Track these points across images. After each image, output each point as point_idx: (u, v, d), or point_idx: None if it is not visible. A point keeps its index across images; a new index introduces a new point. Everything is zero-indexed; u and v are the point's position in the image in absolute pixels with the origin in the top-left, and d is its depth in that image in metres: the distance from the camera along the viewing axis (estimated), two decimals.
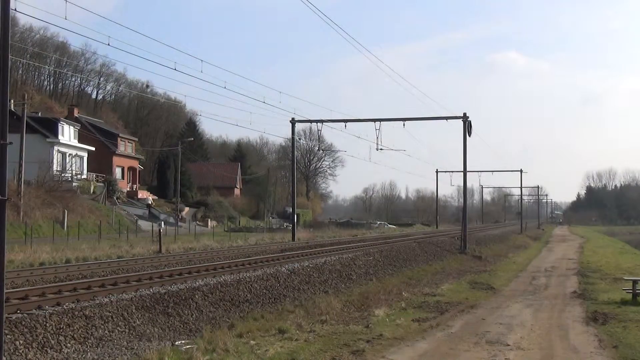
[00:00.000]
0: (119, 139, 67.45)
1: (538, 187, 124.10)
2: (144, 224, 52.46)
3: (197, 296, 14.86)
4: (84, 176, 59.10)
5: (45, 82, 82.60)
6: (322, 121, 42.78)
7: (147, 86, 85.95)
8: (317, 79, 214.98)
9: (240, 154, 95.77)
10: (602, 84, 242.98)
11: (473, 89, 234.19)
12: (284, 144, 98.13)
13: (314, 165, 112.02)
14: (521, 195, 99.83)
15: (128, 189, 66.82)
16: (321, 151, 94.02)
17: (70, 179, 54.48)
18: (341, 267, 23.30)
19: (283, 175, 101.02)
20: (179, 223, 58.26)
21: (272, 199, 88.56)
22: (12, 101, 48.34)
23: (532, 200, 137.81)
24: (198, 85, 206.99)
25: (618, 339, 12.10)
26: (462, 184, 44.41)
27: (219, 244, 37.78)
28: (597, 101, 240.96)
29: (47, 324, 10.80)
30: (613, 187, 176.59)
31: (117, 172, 66.68)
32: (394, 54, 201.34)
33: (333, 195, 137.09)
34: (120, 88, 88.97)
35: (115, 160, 66.36)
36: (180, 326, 13.26)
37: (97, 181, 59.77)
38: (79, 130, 60.69)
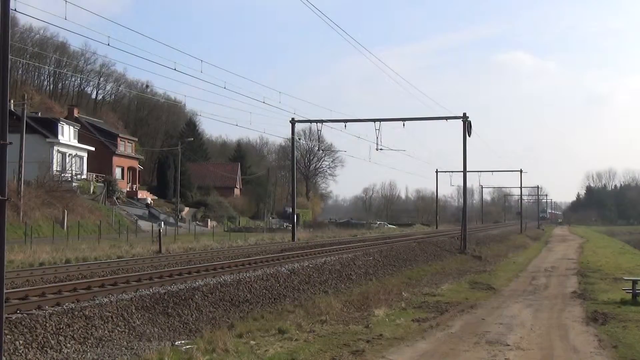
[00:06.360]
0: (118, 139, 67.46)
1: (538, 187, 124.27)
2: (144, 224, 52.46)
3: (197, 296, 14.86)
4: (84, 176, 59.11)
5: (45, 82, 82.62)
6: (322, 121, 42.78)
7: (147, 86, 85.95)
8: (317, 79, 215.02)
9: (240, 154, 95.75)
10: (605, 84, 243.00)
11: (474, 89, 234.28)
12: (284, 144, 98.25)
13: (314, 165, 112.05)
14: (521, 195, 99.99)
15: (128, 189, 66.83)
16: (321, 151, 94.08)
17: (70, 179, 54.48)
18: (341, 267, 23.29)
19: (283, 175, 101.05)
20: (179, 223, 58.28)
21: (272, 199, 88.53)
22: (12, 101, 48.33)
23: (532, 200, 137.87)
24: (198, 86, 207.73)
25: (618, 339, 12.10)
26: (462, 184, 44.48)
27: (218, 244, 37.78)
28: (600, 101, 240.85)
29: (47, 324, 10.80)
30: (613, 187, 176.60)
31: (117, 172, 66.69)
32: (394, 54, 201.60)
33: (333, 195, 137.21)
34: (120, 88, 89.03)
35: (115, 160, 66.37)
36: (180, 326, 13.26)
37: (97, 181, 59.77)
38: (78, 130, 60.68)
